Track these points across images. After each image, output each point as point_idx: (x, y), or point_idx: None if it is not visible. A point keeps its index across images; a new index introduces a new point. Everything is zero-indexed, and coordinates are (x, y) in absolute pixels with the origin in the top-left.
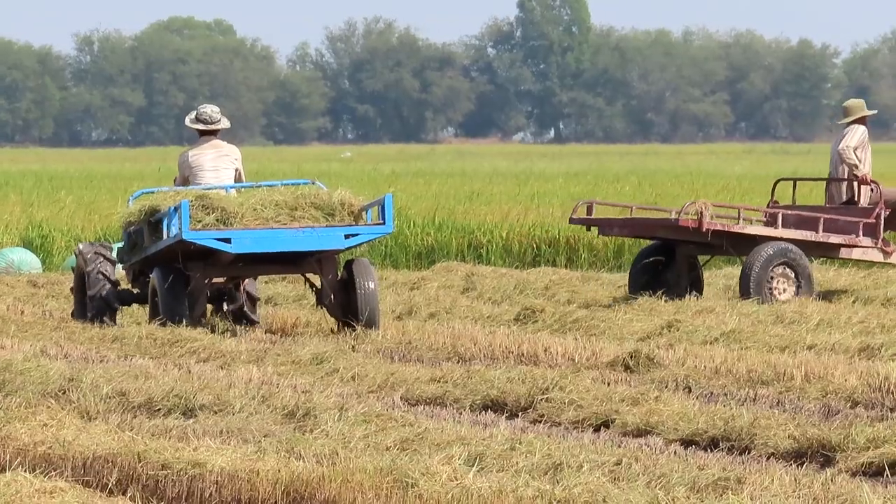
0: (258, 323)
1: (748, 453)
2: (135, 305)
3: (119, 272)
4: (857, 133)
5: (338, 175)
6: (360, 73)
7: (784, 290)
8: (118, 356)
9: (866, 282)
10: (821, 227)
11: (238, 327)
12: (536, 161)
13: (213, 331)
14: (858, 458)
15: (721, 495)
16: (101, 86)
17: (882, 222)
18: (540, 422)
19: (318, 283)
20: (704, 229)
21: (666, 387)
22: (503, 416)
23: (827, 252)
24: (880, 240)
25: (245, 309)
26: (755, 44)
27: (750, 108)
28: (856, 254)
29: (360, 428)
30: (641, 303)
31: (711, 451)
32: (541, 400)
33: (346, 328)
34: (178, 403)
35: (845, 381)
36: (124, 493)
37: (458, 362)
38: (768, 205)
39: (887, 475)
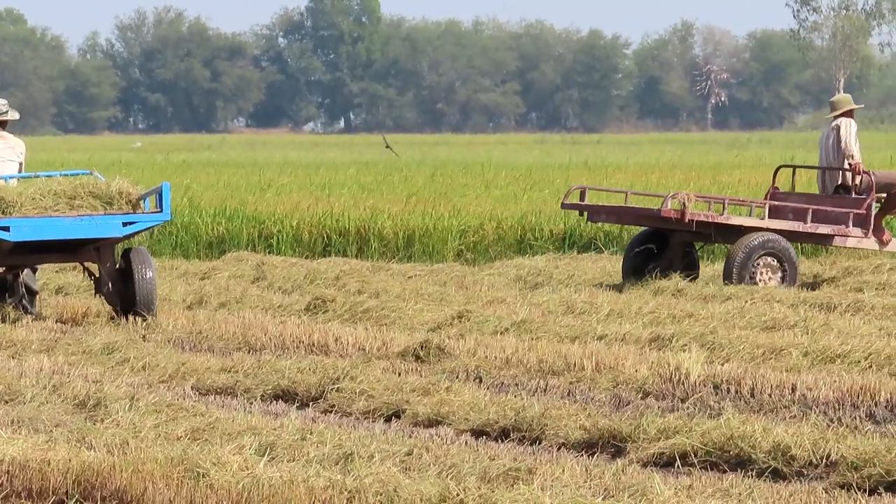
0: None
1: (539, 444)
2: None
3: None
4: (853, 129)
5: (129, 165)
6: (151, 62)
7: (769, 280)
8: None
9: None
10: (809, 218)
11: (28, 317)
12: (327, 151)
13: (3, 320)
14: (649, 449)
15: (512, 485)
16: None
17: (872, 212)
18: (331, 412)
19: (96, 272)
20: (687, 220)
21: (457, 377)
22: (294, 406)
23: (820, 241)
24: (870, 230)
25: (24, 302)
26: (546, 34)
27: (541, 99)
28: (850, 243)
29: (151, 418)
30: (432, 293)
31: (502, 441)
32: (332, 390)
33: (137, 318)
34: None
35: (636, 371)
36: None
37: (248, 352)
38: (769, 191)
39: (678, 466)
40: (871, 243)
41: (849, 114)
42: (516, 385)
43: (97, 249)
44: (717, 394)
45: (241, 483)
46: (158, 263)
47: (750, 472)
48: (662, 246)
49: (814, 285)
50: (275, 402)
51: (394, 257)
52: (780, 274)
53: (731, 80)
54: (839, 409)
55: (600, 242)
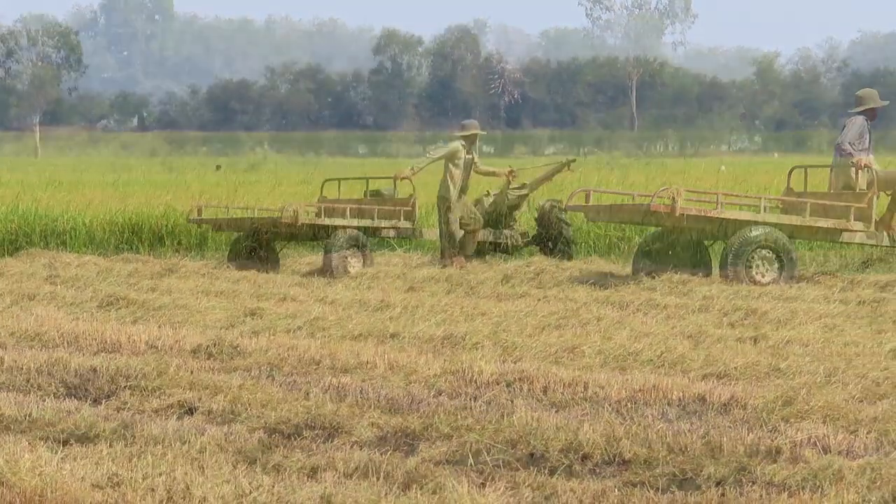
0: None
1: (332, 441)
2: None
3: None
4: (855, 126)
5: None
6: None
7: (766, 273)
8: None
9: (450, 270)
10: (807, 212)
11: None
12: (121, 149)
13: None
14: (442, 447)
15: (305, 483)
16: None
17: (874, 207)
18: (123, 409)
19: None
20: (678, 214)
21: (250, 375)
22: (87, 404)
23: (826, 236)
24: (873, 224)
25: None
26: (339, 32)
27: (334, 97)
28: (858, 237)
29: None
30: (224, 290)
31: (296, 439)
32: (124, 388)
33: None
34: None
35: (429, 369)
36: None
37: (41, 349)
38: (784, 191)
39: (471, 463)
40: (880, 238)
41: (870, 110)
42: (309, 383)
43: None
44: (509, 392)
45: (34, 480)
46: None
47: (543, 470)
48: (672, 244)
49: (606, 284)
50: (67, 399)
51: (187, 255)
52: (777, 267)
53: (523, 79)
54: (631, 407)
55: (393, 241)
